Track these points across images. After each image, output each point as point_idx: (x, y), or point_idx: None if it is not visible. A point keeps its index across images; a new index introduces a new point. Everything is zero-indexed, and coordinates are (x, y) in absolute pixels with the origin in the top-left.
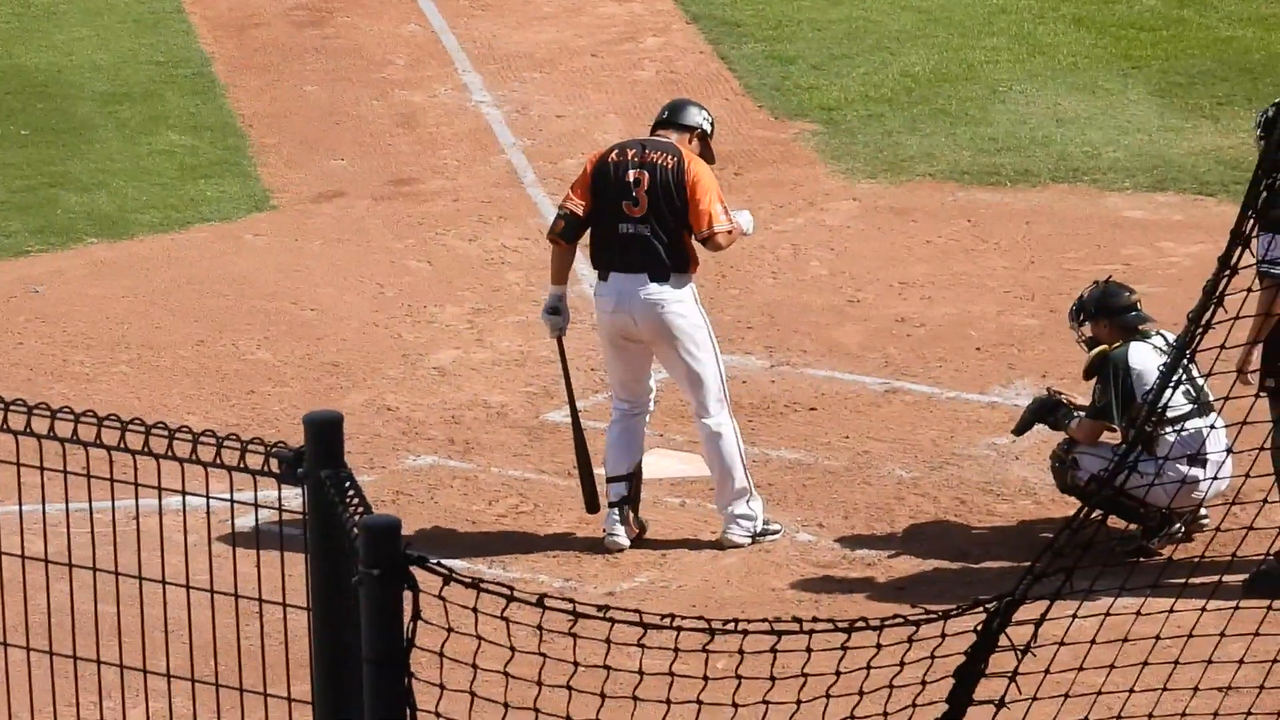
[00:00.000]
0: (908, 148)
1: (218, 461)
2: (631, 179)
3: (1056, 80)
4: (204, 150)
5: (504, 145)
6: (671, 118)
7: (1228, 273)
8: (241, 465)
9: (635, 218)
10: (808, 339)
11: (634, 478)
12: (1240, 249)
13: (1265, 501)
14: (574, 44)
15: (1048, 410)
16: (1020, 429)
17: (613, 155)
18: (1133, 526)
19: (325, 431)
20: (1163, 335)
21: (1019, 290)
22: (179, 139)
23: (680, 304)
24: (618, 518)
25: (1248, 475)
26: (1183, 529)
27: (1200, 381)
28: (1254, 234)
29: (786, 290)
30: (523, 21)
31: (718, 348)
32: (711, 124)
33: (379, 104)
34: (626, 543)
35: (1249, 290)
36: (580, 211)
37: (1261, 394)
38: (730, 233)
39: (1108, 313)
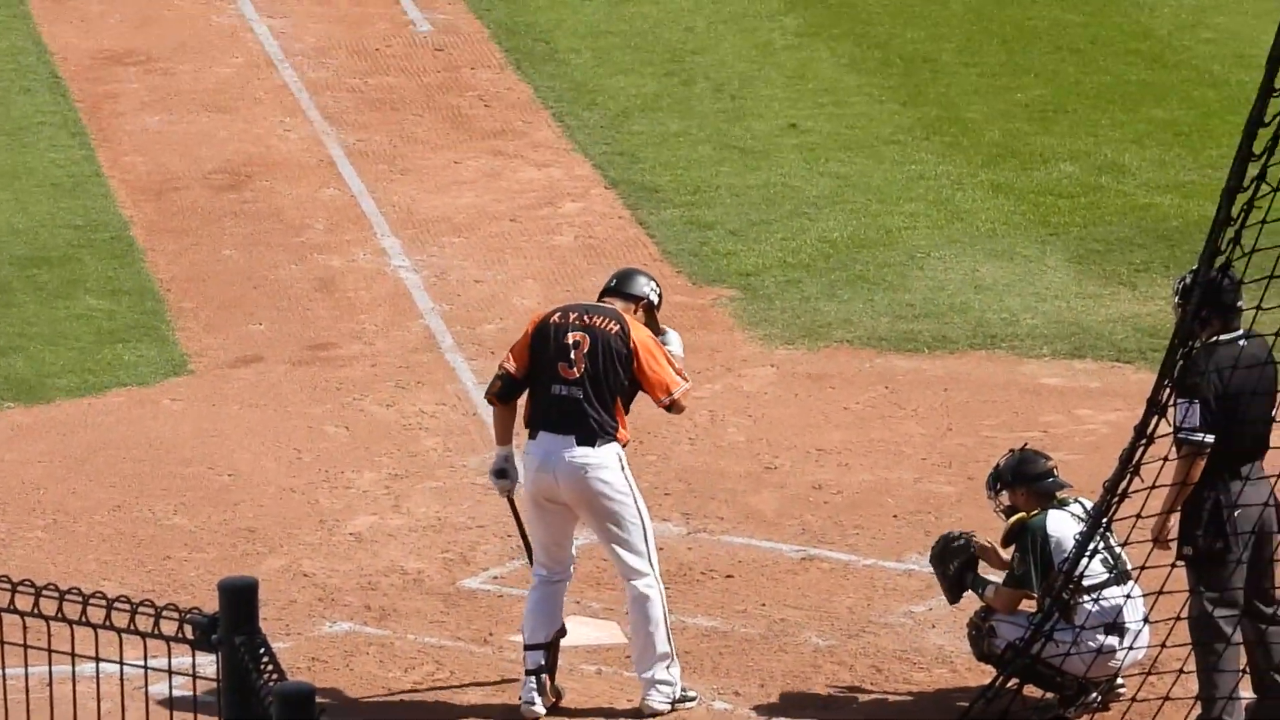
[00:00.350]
0: (825, 314)
1: (132, 628)
2: (571, 341)
3: (975, 246)
4: (121, 314)
5: (422, 310)
6: (619, 287)
7: (1144, 442)
8: (156, 631)
9: (570, 380)
10: (725, 506)
11: (552, 646)
12: (1157, 418)
13: (1181, 671)
14: (493, 209)
15: (962, 573)
16: (953, 597)
17: (554, 318)
18: (1049, 695)
19: (240, 597)
20: (1080, 503)
21: (936, 457)
22: (97, 303)
23: (604, 469)
24: (534, 686)
25: (1164, 645)
26: (1099, 698)
27: (1118, 550)
28: (1171, 402)
29: (704, 456)
30: (441, 186)
31: (646, 514)
32: (659, 295)
33: (297, 268)
34: (543, 711)
35: (1165, 459)
36: (515, 372)
37: (1179, 563)
38: (687, 391)
39: (1024, 480)
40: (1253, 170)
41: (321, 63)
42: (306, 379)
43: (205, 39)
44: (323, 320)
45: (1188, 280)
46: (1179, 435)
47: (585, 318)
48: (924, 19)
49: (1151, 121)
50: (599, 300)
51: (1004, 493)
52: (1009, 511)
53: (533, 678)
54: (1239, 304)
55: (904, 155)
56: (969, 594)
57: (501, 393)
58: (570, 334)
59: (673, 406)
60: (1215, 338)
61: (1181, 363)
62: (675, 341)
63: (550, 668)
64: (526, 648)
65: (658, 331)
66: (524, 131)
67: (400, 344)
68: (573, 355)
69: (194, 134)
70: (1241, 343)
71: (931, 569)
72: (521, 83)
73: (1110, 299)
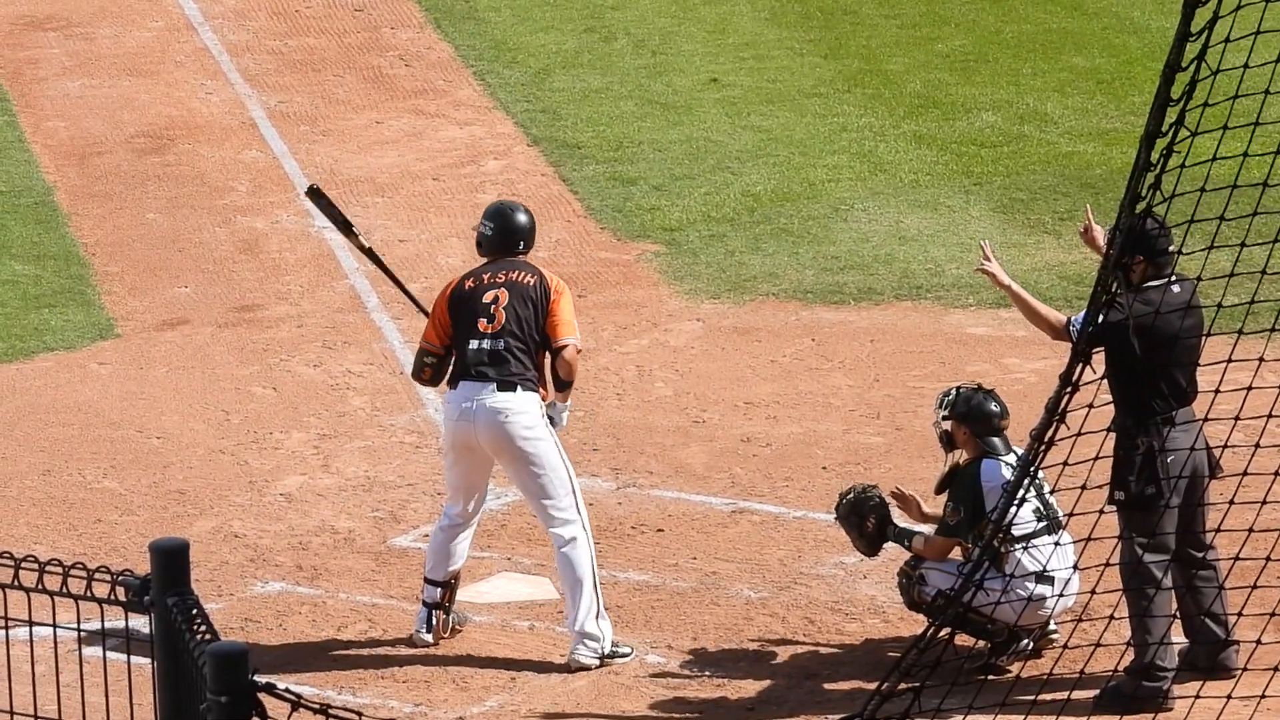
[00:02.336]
0: (750, 267)
1: (65, 590)
2: (489, 299)
3: (899, 197)
4: (47, 279)
5: (347, 270)
6: (511, 244)
7: (1070, 390)
8: (88, 593)
9: (489, 334)
10: (654, 460)
11: (448, 586)
12: (1082, 365)
13: (1112, 617)
14: (415, 168)
15: (881, 528)
16: (872, 551)
17: (468, 283)
18: (981, 643)
19: (171, 558)
20: (1016, 453)
21: (864, 409)
22: (22, 268)
23: (523, 415)
24: (425, 617)
25: (1094, 591)
26: (1031, 644)
27: (1050, 499)
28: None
29: (632, 411)
30: (364, 146)
31: (569, 463)
32: (530, 218)
33: (221, 230)
34: (431, 640)
35: (1090, 406)
36: (438, 348)
37: (1109, 508)
38: (579, 351)
39: (972, 421)
40: (1171, 115)
41: (241, 25)
42: (233, 341)
43: (125, 3)
44: (248, 282)
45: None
46: (1076, 331)
47: (499, 275)
48: None
49: (1073, 69)
50: (496, 258)
51: (949, 421)
52: (944, 437)
53: (426, 610)
54: (1169, 248)
55: (826, 108)
56: (889, 545)
57: (434, 377)
58: (487, 293)
59: (562, 351)
60: (1144, 283)
61: (1105, 313)
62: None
63: (445, 606)
64: (425, 580)
65: None
66: (445, 90)
67: (326, 304)
68: (492, 310)
69: (116, 98)
70: (1175, 288)
71: (841, 526)
72: (442, 42)
73: (1035, 247)
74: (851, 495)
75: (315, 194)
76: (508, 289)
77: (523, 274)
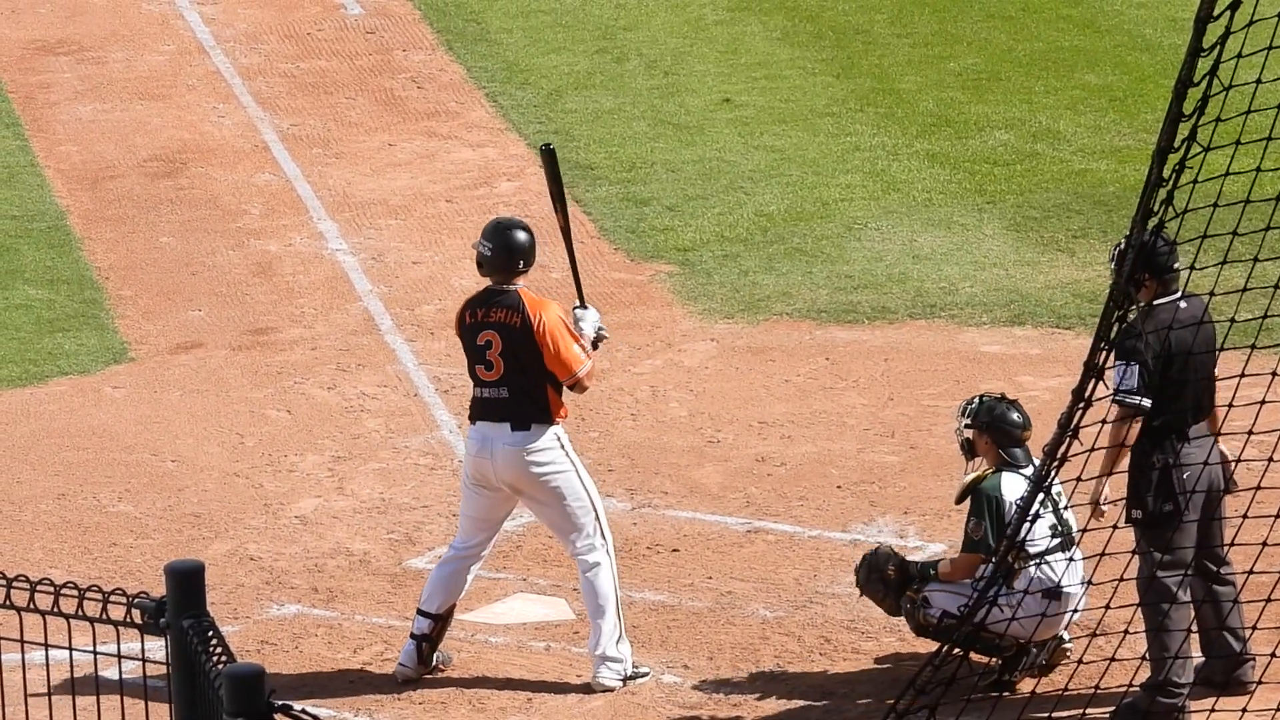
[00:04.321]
0: (764, 287)
1: (80, 613)
2: (483, 342)
3: (912, 216)
4: (61, 303)
5: (360, 293)
6: (512, 264)
7: (1082, 406)
8: (104, 616)
9: (491, 381)
10: (668, 480)
11: (441, 620)
12: (1094, 381)
13: (1126, 632)
14: (428, 190)
15: (903, 571)
16: (897, 605)
17: (466, 317)
18: (993, 660)
19: (187, 580)
20: (1035, 464)
21: (878, 427)
22: (35, 293)
23: (543, 451)
24: (412, 650)
25: (1108, 606)
26: (1044, 658)
27: (1066, 515)
28: (1109, 364)
29: (646, 432)
30: (376, 169)
31: (592, 488)
32: (530, 235)
33: (235, 254)
34: (414, 675)
35: (1104, 422)
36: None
37: (1126, 524)
38: (591, 371)
39: (994, 430)
40: (1183, 131)
41: (253, 48)
42: (247, 364)
43: (136, 27)
44: (262, 305)
45: (1122, 246)
46: (1116, 397)
47: (490, 313)
48: None
49: (1085, 87)
50: (490, 273)
51: (971, 429)
52: (965, 445)
53: (413, 642)
54: (1175, 266)
55: (839, 127)
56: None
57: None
58: (480, 334)
59: (576, 386)
60: (1153, 301)
61: (1119, 326)
62: (589, 321)
63: (434, 640)
64: (418, 612)
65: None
66: (458, 112)
67: (340, 327)
68: (488, 357)
69: (128, 122)
70: (1182, 304)
71: (868, 595)
72: (454, 63)
73: (1048, 265)
74: (863, 563)
75: (549, 155)
76: (498, 332)
77: (509, 314)
